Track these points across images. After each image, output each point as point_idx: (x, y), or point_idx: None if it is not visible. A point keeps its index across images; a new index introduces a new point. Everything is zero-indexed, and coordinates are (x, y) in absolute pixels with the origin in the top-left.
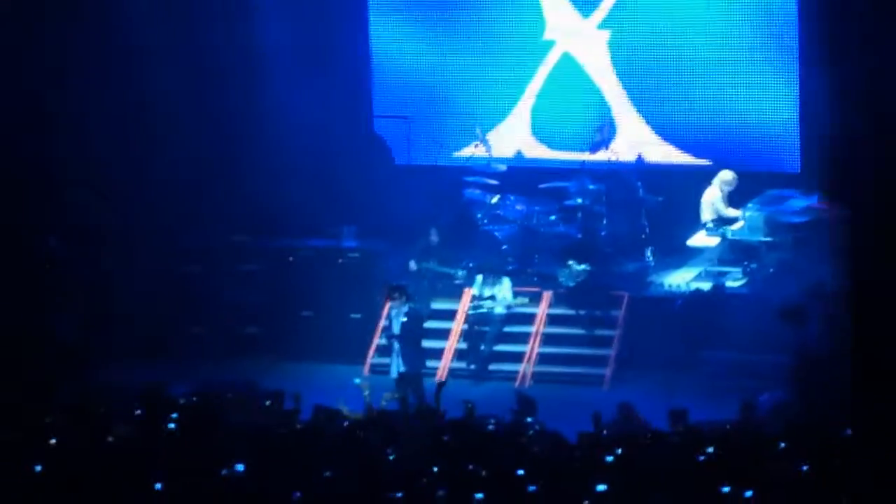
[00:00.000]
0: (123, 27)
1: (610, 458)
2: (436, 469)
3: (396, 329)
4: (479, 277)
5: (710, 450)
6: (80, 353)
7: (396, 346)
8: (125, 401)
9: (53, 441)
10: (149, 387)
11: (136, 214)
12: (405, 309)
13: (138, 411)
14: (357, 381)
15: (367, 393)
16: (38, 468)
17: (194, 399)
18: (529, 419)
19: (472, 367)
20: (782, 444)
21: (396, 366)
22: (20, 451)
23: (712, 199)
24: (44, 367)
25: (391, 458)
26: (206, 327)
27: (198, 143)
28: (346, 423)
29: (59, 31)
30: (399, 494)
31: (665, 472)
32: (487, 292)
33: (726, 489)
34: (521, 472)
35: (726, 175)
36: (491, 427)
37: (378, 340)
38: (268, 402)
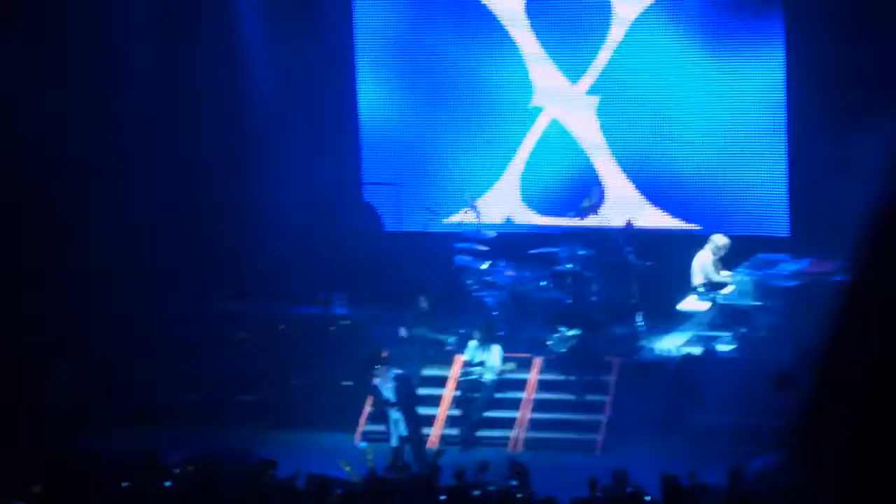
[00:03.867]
0: (114, 90)
1: None
2: None
3: (390, 396)
4: (472, 343)
5: None
6: (74, 421)
7: (393, 413)
8: (119, 467)
9: None
10: (142, 454)
11: (130, 277)
12: (392, 374)
13: (125, 483)
14: (363, 444)
15: (371, 457)
16: None
17: (189, 468)
18: (519, 485)
19: (464, 433)
20: None
21: (396, 432)
22: None
23: (703, 264)
24: (38, 434)
25: None
26: (201, 394)
27: (185, 209)
28: (340, 491)
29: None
30: None
31: None
32: (478, 358)
33: None
34: None
35: (720, 240)
36: (484, 493)
37: (368, 408)
38: (261, 471)
